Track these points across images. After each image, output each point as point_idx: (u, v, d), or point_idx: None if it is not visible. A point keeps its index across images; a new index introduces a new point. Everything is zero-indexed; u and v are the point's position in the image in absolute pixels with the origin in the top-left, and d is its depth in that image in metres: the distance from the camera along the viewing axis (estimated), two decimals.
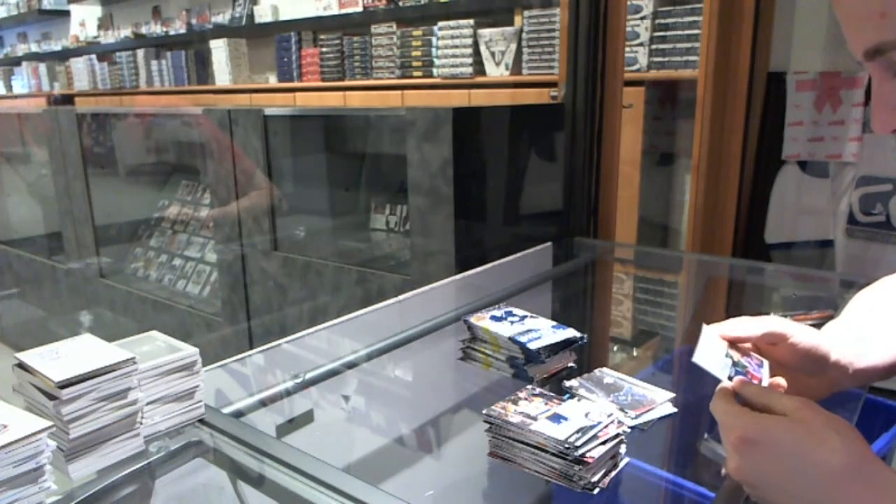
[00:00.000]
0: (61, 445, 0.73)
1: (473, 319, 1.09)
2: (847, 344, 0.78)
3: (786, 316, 0.89)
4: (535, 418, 0.81)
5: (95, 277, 3.23)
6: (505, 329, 1.04)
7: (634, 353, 1.47)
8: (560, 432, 0.77)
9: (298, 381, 1.05)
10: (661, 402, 0.92)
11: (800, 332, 0.77)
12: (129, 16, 5.64)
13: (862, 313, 0.85)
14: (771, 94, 2.08)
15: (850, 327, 0.83)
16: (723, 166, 2.09)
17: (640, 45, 2.61)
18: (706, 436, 0.89)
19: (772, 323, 0.77)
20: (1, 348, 3.79)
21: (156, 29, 5.32)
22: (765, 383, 0.74)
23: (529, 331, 1.04)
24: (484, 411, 0.83)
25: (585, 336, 1.05)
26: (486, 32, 3.15)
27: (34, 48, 6.83)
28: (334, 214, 2.73)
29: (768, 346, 0.78)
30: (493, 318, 1.09)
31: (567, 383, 0.97)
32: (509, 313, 1.11)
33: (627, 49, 2.56)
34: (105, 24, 5.96)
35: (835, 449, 0.58)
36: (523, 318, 1.10)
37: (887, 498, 0.56)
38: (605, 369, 1.03)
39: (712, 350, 0.75)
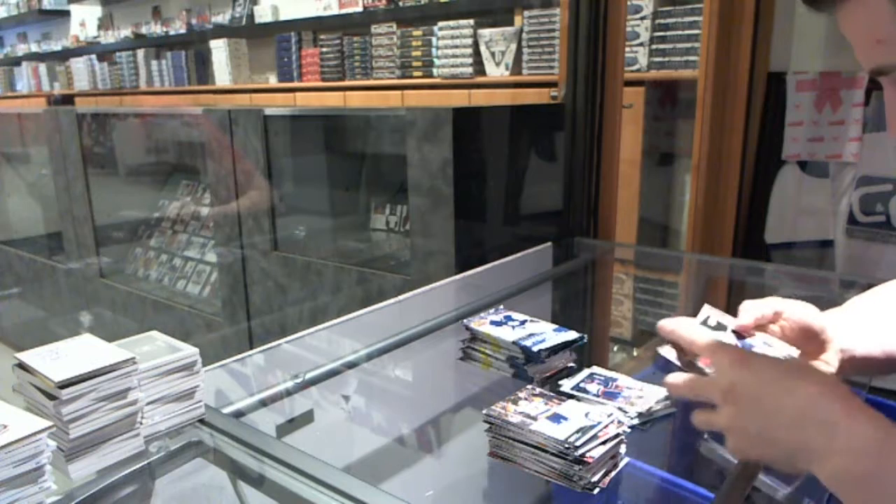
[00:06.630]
0: (61, 445, 0.72)
1: (474, 325, 1.08)
2: (845, 329, 0.80)
3: None
4: (535, 418, 0.81)
5: (95, 277, 3.23)
6: (507, 334, 1.04)
7: (634, 353, 1.47)
8: (560, 432, 0.77)
9: (298, 381, 1.05)
10: (655, 400, 0.92)
11: (792, 308, 0.82)
12: (129, 16, 5.64)
13: (864, 305, 0.86)
14: (771, 94, 2.08)
15: (849, 314, 0.84)
16: (723, 166, 2.09)
17: (640, 45, 2.61)
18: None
19: (766, 304, 0.83)
20: (1, 348, 3.80)
21: (156, 29, 5.32)
22: None
23: (532, 335, 1.04)
24: (484, 411, 0.83)
25: (585, 336, 1.05)
26: (486, 32, 3.15)
27: (34, 48, 6.83)
28: (334, 214, 2.73)
29: (770, 329, 0.83)
30: (493, 323, 1.09)
31: (561, 383, 0.97)
32: (508, 318, 1.11)
33: (627, 49, 2.56)
34: (105, 24, 5.96)
35: (815, 372, 0.66)
36: (523, 322, 1.10)
37: (865, 407, 0.60)
38: (596, 368, 1.03)
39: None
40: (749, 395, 0.64)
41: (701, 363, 0.78)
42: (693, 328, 0.79)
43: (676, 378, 0.72)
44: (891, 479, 0.55)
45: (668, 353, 0.83)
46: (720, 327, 0.84)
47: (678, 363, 0.82)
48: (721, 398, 0.66)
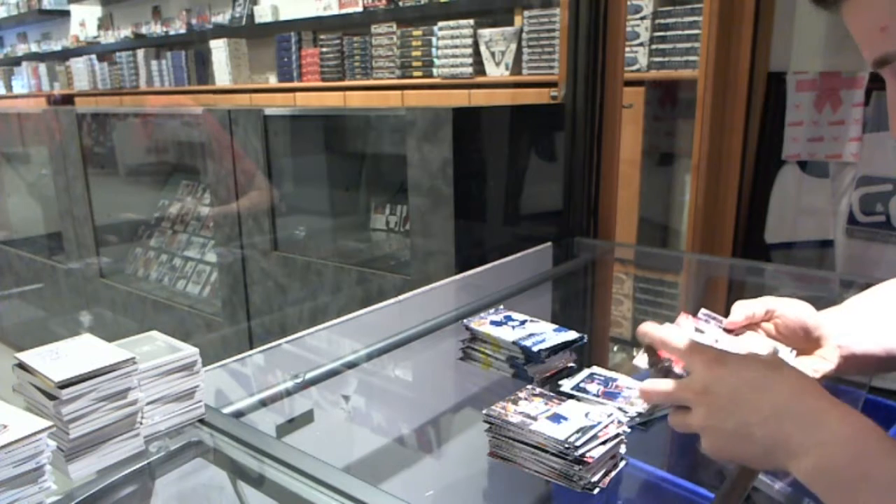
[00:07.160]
0: (61, 445, 0.72)
1: (474, 325, 1.08)
2: (842, 326, 0.80)
3: None
4: (535, 418, 0.81)
5: (95, 277, 3.23)
6: (507, 334, 1.04)
7: (634, 353, 1.47)
8: (560, 432, 0.77)
9: (298, 381, 1.05)
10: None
11: (784, 306, 0.82)
12: (129, 16, 5.64)
13: (862, 303, 0.87)
14: (771, 94, 2.08)
15: (846, 312, 0.85)
16: (723, 166, 2.09)
17: (640, 45, 2.61)
18: None
19: (758, 303, 0.84)
20: (1, 348, 3.79)
21: (156, 29, 5.32)
22: None
23: (532, 335, 1.04)
24: (484, 411, 0.83)
25: (585, 336, 1.05)
26: (486, 32, 3.15)
27: (34, 48, 6.83)
28: (334, 214, 2.73)
29: (764, 327, 0.84)
30: (493, 323, 1.09)
31: (561, 383, 0.97)
32: (508, 318, 1.11)
33: (627, 49, 2.56)
34: (105, 24, 5.96)
35: (791, 370, 0.65)
36: (523, 322, 1.09)
37: (838, 403, 0.61)
38: (596, 368, 1.03)
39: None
40: (722, 395, 0.64)
41: (675, 367, 0.78)
42: (668, 330, 0.78)
43: (650, 385, 0.72)
44: (864, 474, 0.56)
45: (641, 361, 0.83)
46: (699, 331, 0.84)
47: (650, 369, 0.81)
48: (694, 399, 0.66)
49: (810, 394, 0.61)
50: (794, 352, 0.82)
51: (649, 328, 0.77)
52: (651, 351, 0.79)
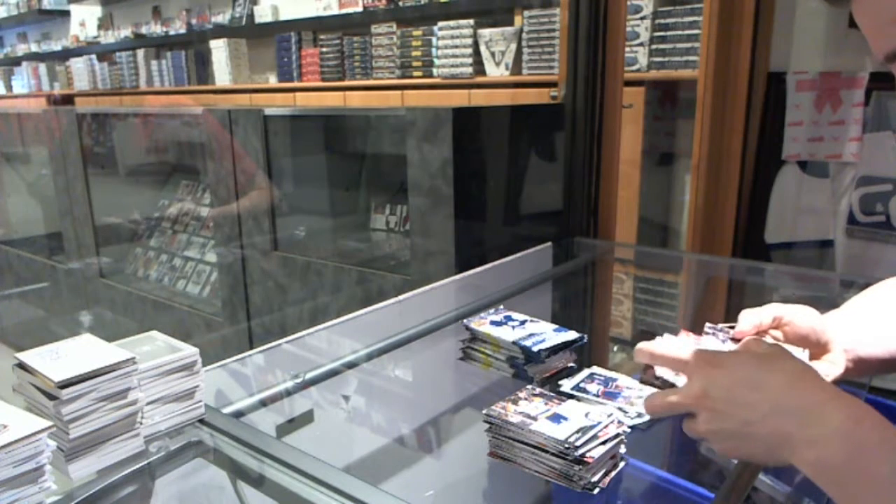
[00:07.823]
0: (61, 445, 0.72)
1: (474, 325, 1.08)
2: (846, 330, 0.80)
3: None
4: (535, 418, 0.81)
5: (95, 277, 3.23)
6: (507, 334, 1.04)
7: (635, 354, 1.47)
8: (560, 432, 0.77)
9: (298, 381, 1.05)
10: None
11: (791, 312, 0.82)
12: (129, 16, 5.64)
13: (864, 305, 0.87)
14: (771, 94, 2.08)
15: (849, 315, 0.85)
16: (723, 166, 2.09)
17: (640, 45, 2.61)
18: None
19: (765, 311, 0.83)
20: (1, 348, 3.79)
21: (156, 29, 5.32)
22: None
23: (532, 335, 1.04)
24: (484, 411, 0.83)
25: (585, 336, 1.05)
26: (486, 32, 3.15)
27: (34, 48, 6.83)
28: (334, 214, 2.73)
29: (772, 334, 0.84)
30: (493, 323, 1.09)
31: (561, 383, 0.97)
32: (508, 318, 1.11)
33: (627, 49, 2.56)
34: (105, 24, 5.96)
35: (786, 361, 0.65)
36: (523, 322, 1.09)
37: (839, 393, 0.61)
38: (596, 368, 1.03)
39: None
40: (720, 397, 0.64)
41: (674, 378, 0.78)
42: (663, 344, 0.77)
43: (652, 398, 0.71)
44: (864, 465, 0.55)
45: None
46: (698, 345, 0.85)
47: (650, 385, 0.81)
48: (695, 404, 0.66)
49: (806, 386, 0.61)
50: (807, 351, 0.82)
51: (644, 346, 0.76)
52: (646, 368, 0.79)
